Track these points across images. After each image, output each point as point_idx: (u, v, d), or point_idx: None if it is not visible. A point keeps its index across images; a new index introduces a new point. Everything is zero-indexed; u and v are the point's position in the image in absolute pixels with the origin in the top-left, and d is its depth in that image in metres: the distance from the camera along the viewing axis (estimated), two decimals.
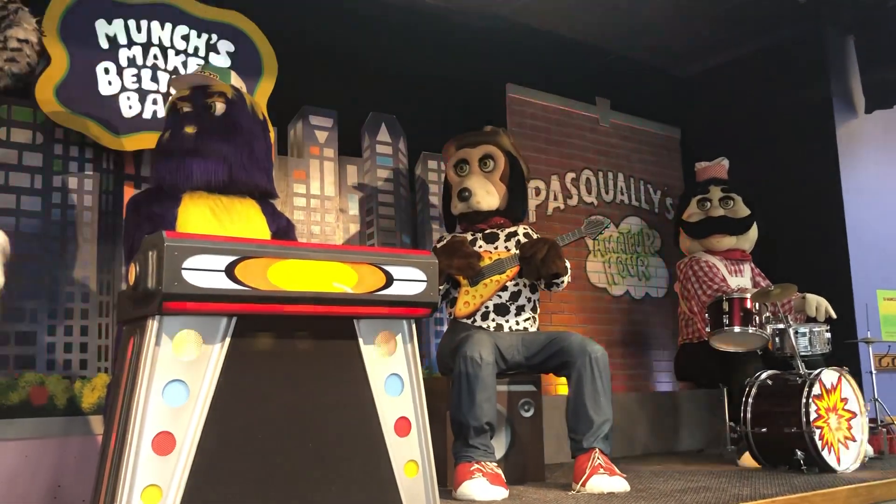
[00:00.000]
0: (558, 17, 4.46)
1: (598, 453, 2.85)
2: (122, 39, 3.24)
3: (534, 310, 3.38)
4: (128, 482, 1.73)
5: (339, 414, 2.03)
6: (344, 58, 3.94)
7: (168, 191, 2.66)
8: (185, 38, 3.40)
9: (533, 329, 3.34)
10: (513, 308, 3.29)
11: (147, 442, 1.77)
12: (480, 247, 3.38)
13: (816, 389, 3.23)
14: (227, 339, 1.91)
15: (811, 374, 3.28)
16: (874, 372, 3.88)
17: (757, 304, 3.65)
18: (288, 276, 1.94)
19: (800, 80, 4.83)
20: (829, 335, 3.70)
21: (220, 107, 2.75)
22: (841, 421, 3.29)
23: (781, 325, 3.60)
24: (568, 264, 3.27)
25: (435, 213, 4.13)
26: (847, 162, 4.66)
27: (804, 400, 3.17)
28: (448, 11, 4.24)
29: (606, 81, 5.01)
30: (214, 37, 3.47)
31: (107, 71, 3.19)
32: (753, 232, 4.34)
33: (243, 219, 2.72)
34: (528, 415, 3.26)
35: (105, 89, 3.17)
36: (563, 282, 3.28)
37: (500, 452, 3.11)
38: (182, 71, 3.35)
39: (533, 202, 4.49)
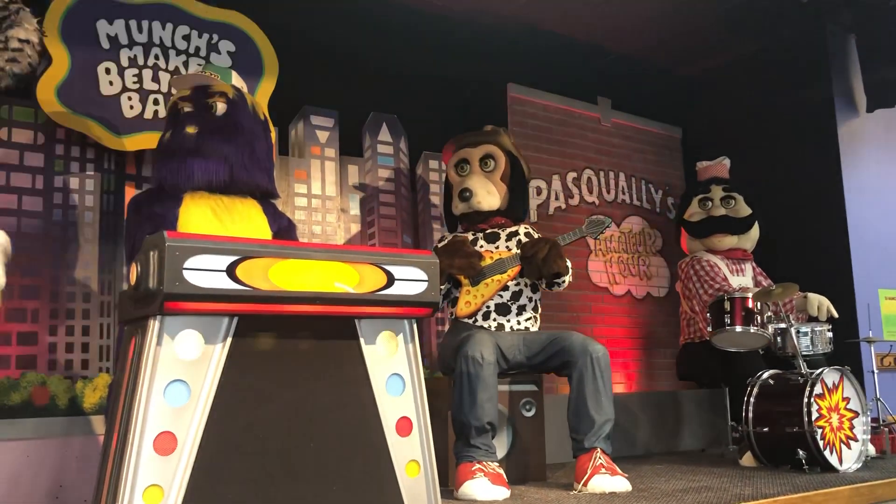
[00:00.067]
0: (559, 16, 4.45)
1: (599, 453, 2.85)
2: (124, 39, 3.25)
3: (535, 309, 3.38)
4: (129, 482, 1.73)
5: (340, 414, 2.03)
6: (345, 57, 3.94)
7: (169, 191, 2.66)
8: (187, 38, 3.40)
9: (534, 329, 3.34)
10: (514, 308, 3.29)
11: (148, 442, 1.77)
12: (481, 246, 3.37)
13: (818, 389, 3.23)
14: (229, 339, 1.91)
15: (813, 373, 3.28)
16: (876, 371, 3.89)
17: (758, 304, 3.64)
18: (289, 276, 1.94)
19: (801, 80, 4.82)
20: (830, 335, 3.70)
21: (221, 107, 2.75)
22: (843, 420, 3.28)
23: (783, 325, 3.60)
24: (569, 264, 3.27)
25: (436, 212, 4.13)
26: (848, 161, 4.66)
27: (806, 399, 3.17)
28: (449, 11, 4.24)
29: (608, 81, 5.01)
30: (215, 37, 3.47)
31: (108, 71, 3.19)
32: (755, 231, 4.33)
33: (244, 219, 2.72)
34: (529, 414, 3.26)
35: (106, 89, 3.18)
36: (564, 281, 3.28)
37: (501, 452, 3.11)
38: (183, 71, 3.35)
39: (534, 202, 4.48)
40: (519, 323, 3.29)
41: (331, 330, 2.06)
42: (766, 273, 4.31)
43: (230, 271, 1.85)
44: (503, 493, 2.72)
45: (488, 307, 3.28)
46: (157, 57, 3.32)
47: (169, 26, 3.36)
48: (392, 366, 2.13)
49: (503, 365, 3.09)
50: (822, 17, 4.69)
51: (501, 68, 4.49)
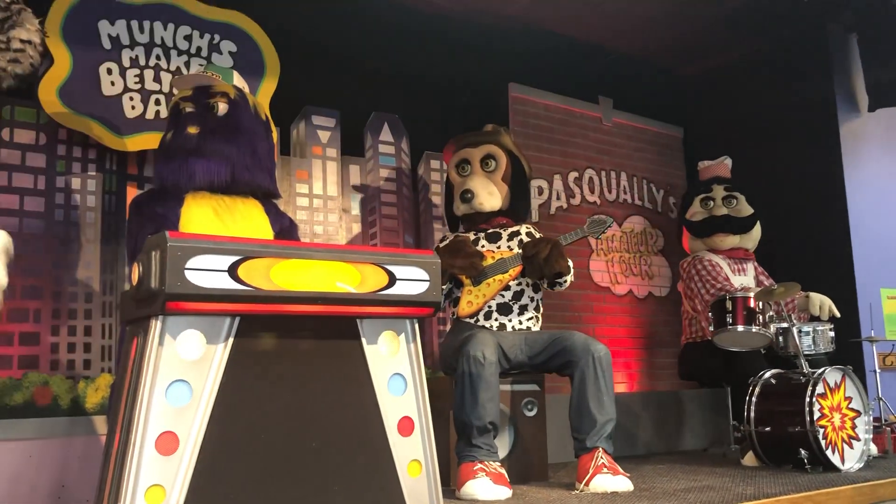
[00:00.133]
0: (561, 16, 4.45)
1: (601, 452, 2.85)
2: (125, 40, 3.25)
3: (537, 309, 3.38)
4: (131, 482, 1.73)
5: (341, 413, 2.03)
6: (346, 58, 3.94)
7: (171, 191, 2.66)
8: (188, 38, 3.40)
9: (536, 328, 3.34)
10: (516, 307, 3.29)
11: (150, 442, 1.77)
12: (483, 246, 3.37)
13: (820, 388, 3.22)
14: (231, 339, 1.91)
15: (815, 373, 3.28)
16: (878, 371, 3.88)
17: (760, 303, 3.64)
18: (291, 275, 1.94)
19: (802, 79, 4.82)
20: (832, 334, 3.70)
21: (222, 107, 2.75)
22: (845, 420, 3.28)
23: (785, 324, 3.59)
24: (571, 263, 3.27)
25: (437, 212, 4.13)
26: (850, 160, 4.65)
27: (808, 399, 3.17)
28: (451, 11, 4.24)
29: (609, 80, 5.01)
30: (217, 37, 3.47)
31: (109, 71, 3.19)
32: (756, 231, 4.33)
33: (246, 219, 2.72)
34: (531, 414, 3.27)
35: (108, 90, 3.18)
36: (566, 281, 3.28)
37: (503, 452, 3.11)
38: (185, 71, 3.35)
39: (536, 201, 4.48)
40: (521, 323, 3.29)
41: (332, 330, 2.06)
42: (768, 272, 4.30)
43: (232, 271, 1.85)
44: (505, 492, 2.72)
45: (490, 307, 3.28)
46: (158, 57, 3.32)
47: (170, 26, 3.36)
48: (394, 365, 2.13)
49: (505, 365, 3.09)
50: (824, 17, 4.68)
51: (503, 68, 4.49)
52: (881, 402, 3.79)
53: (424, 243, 4.05)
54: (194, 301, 1.82)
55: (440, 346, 3.60)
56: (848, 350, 3.98)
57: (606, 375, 2.96)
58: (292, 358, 2.00)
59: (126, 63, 3.24)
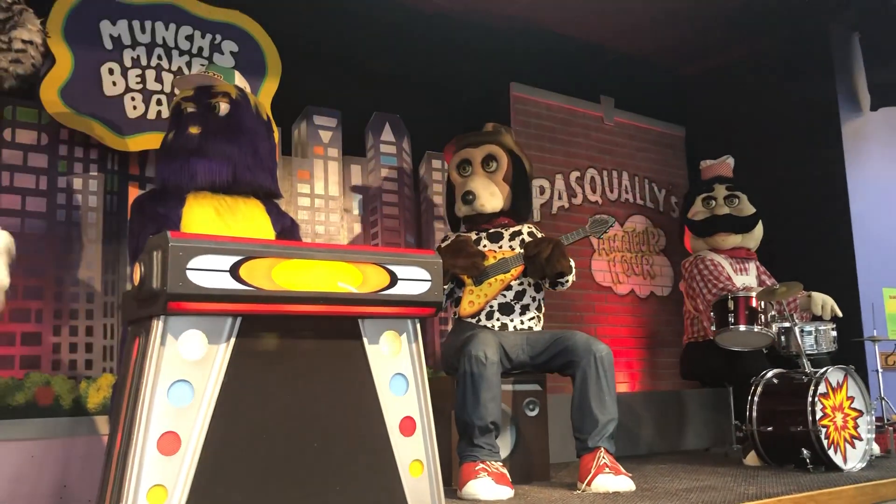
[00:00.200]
0: (562, 15, 4.45)
1: (603, 452, 2.85)
2: (127, 40, 3.25)
3: (538, 309, 3.37)
4: (133, 482, 1.73)
5: (343, 414, 2.03)
6: (347, 58, 3.94)
7: (172, 191, 2.66)
8: (189, 38, 3.40)
9: (537, 328, 3.34)
10: (517, 307, 3.29)
11: (152, 442, 1.77)
12: (485, 246, 3.37)
13: (822, 388, 3.22)
14: (232, 339, 1.91)
15: (817, 372, 3.27)
16: (880, 370, 3.88)
17: (762, 303, 3.64)
18: (292, 276, 1.94)
19: (805, 78, 4.81)
20: (834, 333, 3.69)
21: (224, 107, 2.75)
22: (847, 419, 3.28)
23: (787, 324, 3.59)
24: (573, 263, 3.26)
25: (439, 212, 4.13)
26: (852, 160, 4.65)
27: (810, 399, 3.17)
28: (452, 11, 4.24)
29: (611, 80, 5.01)
30: (218, 37, 3.47)
31: (111, 71, 3.19)
32: (758, 230, 4.33)
33: (247, 219, 2.72)
34: (532, 414, 3.26)
35: (109, 90, 3.18)
36: (567, 281, 3.28)
37: (505, 452, 3.11)
38: (186, 71, 3.35)
39: (538, 201, 4.48)
40: (522, 322, 3.28)
41: (334, 330, 2.06)
42: (770, 272, 4.30)
43: (233, 271, 1.85)
44: (507, 492, 2.72)
45: (491, 307, 3.27)
46: (160, 57, 3.32)
47: (172, 27, 3.36)
48: (395, 365, 2.13)
49: (506, 364, 3.09)
50: (825, 16, 4.68)
51: (504, 68, 4.49)
52: (883, 402, 3.78)
53: (426, 243, 4.05)
54: (196, 301, 1.82)
55: (442, 345, 3.61)
56: (850, 350, 3.98)
57: (608, 375, 2.96)
58: (294, 358, 2.00)
59: (128, 63, 3.24)
